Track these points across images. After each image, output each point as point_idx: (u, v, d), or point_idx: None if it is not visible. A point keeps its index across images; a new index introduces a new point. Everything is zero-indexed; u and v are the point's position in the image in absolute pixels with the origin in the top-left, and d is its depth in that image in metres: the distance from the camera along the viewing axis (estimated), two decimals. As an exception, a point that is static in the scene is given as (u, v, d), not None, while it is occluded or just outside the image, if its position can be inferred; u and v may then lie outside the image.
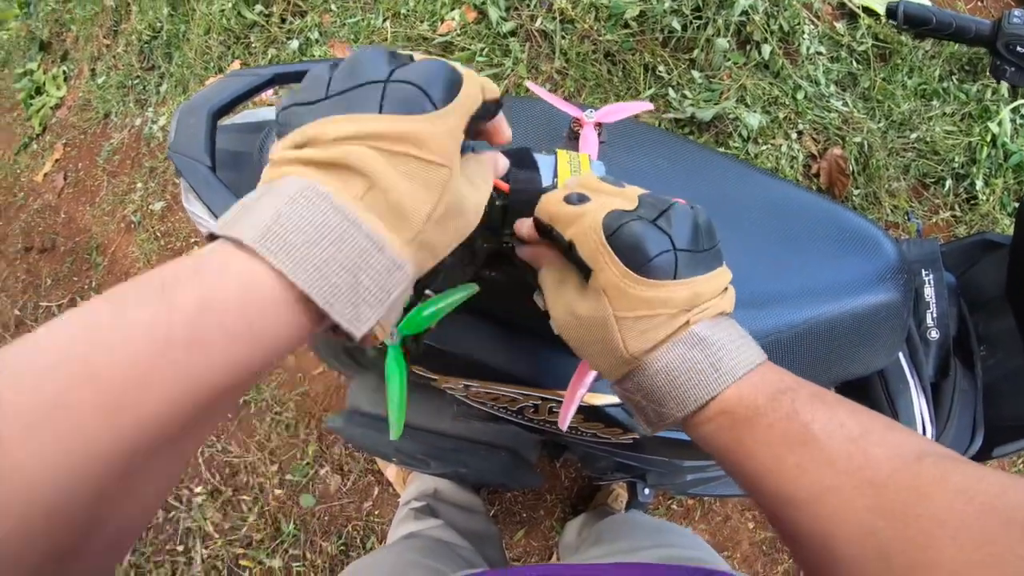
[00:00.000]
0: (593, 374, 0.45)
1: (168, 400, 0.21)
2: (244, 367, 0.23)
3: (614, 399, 0.59)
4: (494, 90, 0.32)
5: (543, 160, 0.44)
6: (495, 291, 0.53)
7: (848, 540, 0.23)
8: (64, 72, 2.12)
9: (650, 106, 0.58)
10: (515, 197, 0.41)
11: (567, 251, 0.35)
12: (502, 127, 0.36)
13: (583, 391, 0.45)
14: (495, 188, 0.40)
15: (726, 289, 0.34)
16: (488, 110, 0.32)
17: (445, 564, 0.69)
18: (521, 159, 0.42)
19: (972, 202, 1.40)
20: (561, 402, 0.59)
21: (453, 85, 0.29)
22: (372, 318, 0.25)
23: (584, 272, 0.34)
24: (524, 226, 0.40)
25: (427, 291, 0.47)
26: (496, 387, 0.60)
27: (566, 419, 0.45)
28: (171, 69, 1.79)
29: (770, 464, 0.27)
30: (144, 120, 1.83)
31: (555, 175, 0.43)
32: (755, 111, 1.31)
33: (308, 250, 0.23)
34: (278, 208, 0.24)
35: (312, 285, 0.23)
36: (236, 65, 1.64)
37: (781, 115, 1.33)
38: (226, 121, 0.69)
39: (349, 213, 0.24)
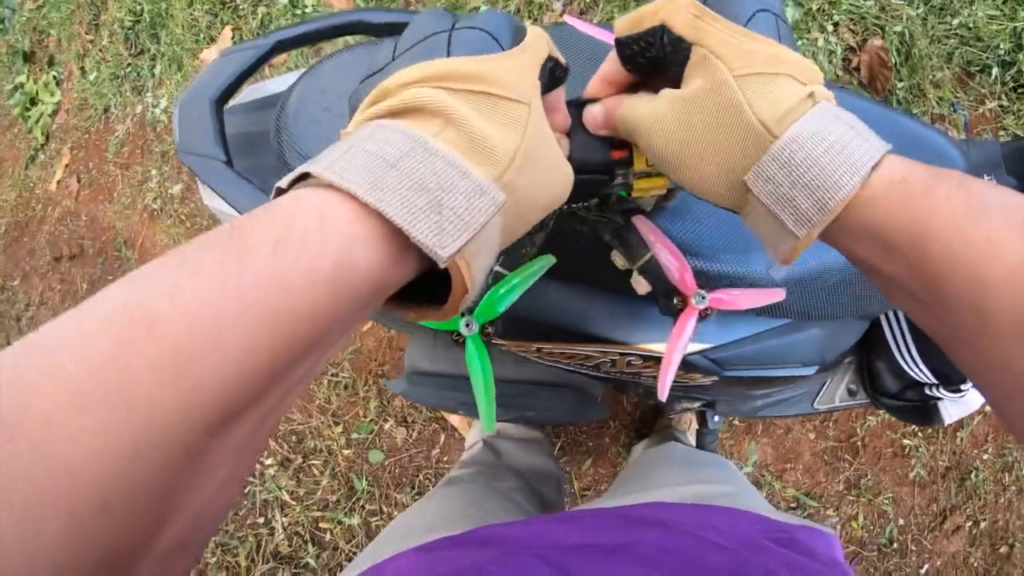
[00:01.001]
0: (688, 334, 0.42)
1: (245, 352, 0.18)
2: (326, 312, 0.20)
3: (695, 347, 0.57)
4: (559, 55, 0.30)
5: None
6: (569, 253, 0.51)
7: None
8: (54, 77, 2.06)
9: None
10: (580, 158, 0.36)
11: (659, 50, 0.31)
12: (561, 107, 0.33)
13: (680, 353, 0.43)
14: None
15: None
16: (555, 72, 0.30)
17: (487, 511, 0.68)
18: (576, 118, 0.37)
19: (1020, 90, 1.31)
20: (639, 355, 0.58)
21: (519, 31, 0.29)
22: (457, 243, 0.22)
23: (679, 71, 0.30)
24: (600, 78, 0.35)
25: (497, 268, 0.43)
26: (572, 347, 0.58)
27: (665, 388, 0.43)
28: (161, 49, 1.72)
29: (958, 241, 0.23)
30: (145, 106, 1.78)
31: None
32: (787, 3, 1.22)
33: (382, 172, 0.21)
34: (349, 144, 0.23)
35: (388, 204, 0.21)
36: (227, 33, 1.56)
37: (815, 6, 1.24)
38: (231, 102, 0.63)
39: (427, 142, 0.23)
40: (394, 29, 0.59)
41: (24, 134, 2.12)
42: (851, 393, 0.98)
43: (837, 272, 0.53)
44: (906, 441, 1.32)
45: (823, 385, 0.99)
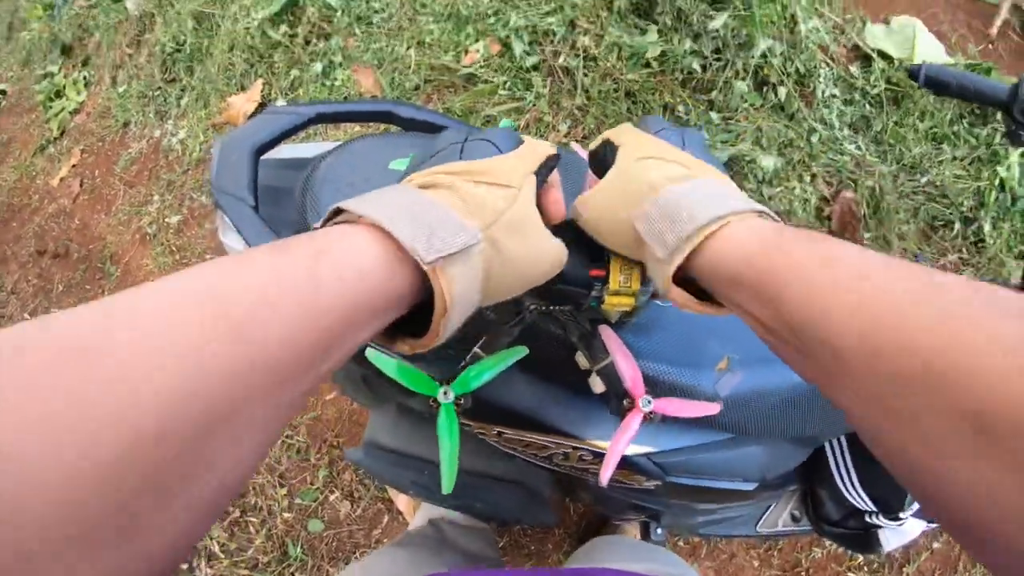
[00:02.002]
0: (632, 432, 0.47)
1: (289, 326, 0.22)
2: (347, 311, 0.25)
3: (642, 449, 0.61)
4: (550, 147, 0.40)
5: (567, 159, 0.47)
6: (539, 348, 0.55)
7: (892, 356, 0.22)
8: (85, 77, 2.14)
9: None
10: (566, 274, 0.41)
11: (606, 155, 0.41)
12: (559, 199, 0.40)
13: (623, 447, 0.47)
14: None
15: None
16: (550, 162, 0.39)
17: (432, 566, 0.69)
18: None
19: (979, 245, 1.42)
20: (591, 451, 0.61)
21: (516, 140, 0.38)
22: (437, 255, 0.28)
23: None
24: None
25: (476, 350, 0.49)
26: (531, 435, 0.61)
27: (606, 476, 0.47)
28: (192, 83, 1.82)
29: (804, 283, 0.26)
30: (163, 132, 1.84)
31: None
32: (770, 153, 1.34)
33: (398, 213, 0.28)
34: (379, 194, 0.30)
35: (397, 230, 0.27)
36: (258, 85, 1.66)
37: (796, 157, 1.36)
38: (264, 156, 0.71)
39: (433, 199, 0.31)
40: (417, 125, 0.68)
41: (41, 122, 2.17)
42: (794, 519, 1.00)
43: (775, 395, 0.57)
44: (851, 574, 1.32)
45: (767, 509, 1.01)
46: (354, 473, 1.36)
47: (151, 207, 1.76)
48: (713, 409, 0.49)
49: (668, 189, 0.33)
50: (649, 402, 0.46)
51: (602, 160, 0.42)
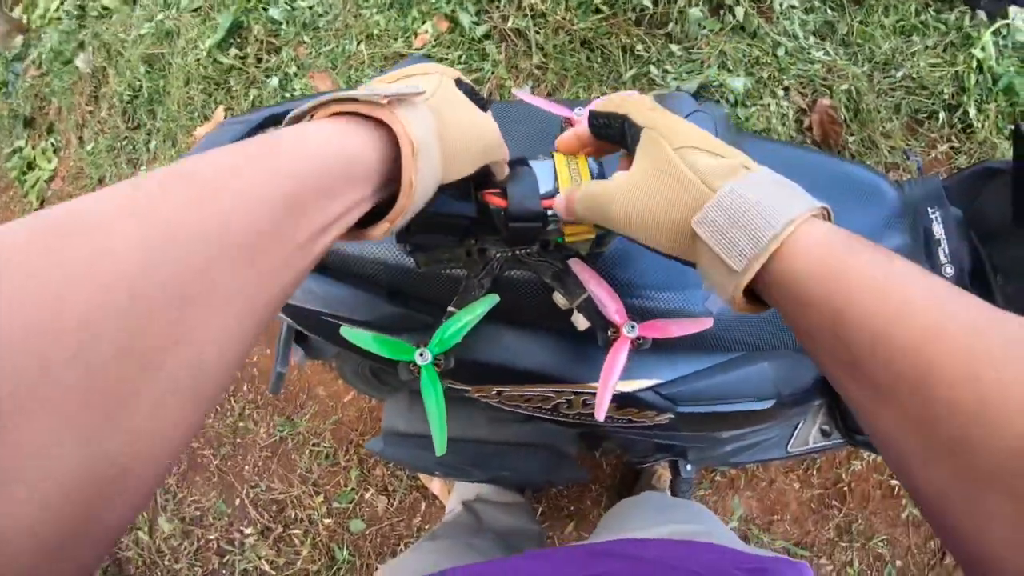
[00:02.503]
0: (622, 361, 0.46)
1: (253, 188, 0.22)
2: (316, 175, 0.26)
3: (644, 383, 0.60)
4: (466, 80, 0.40)
5: (540, 166, 0.45)
6: (517, 297, 0.54)
7: (952, 384, 0.22)
8: (52, 144, 2.14)
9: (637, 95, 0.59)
10: (513, 211, 0.41)
11: (620, 131, 0.38)
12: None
13: (615, 379, 0.46)
14: (495, 204, 0.42)
15: None
16: (474, 95, 0.39)
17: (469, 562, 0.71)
18: (517, 172, 0.43)
19: (968, 131, 1.39)
20: (594, 393, 0.60)
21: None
22: (385, 97, 0.29)
23: (634, 147, 0.37)
24: (565, 142, 0.44)
25: (449, 308, 0.48)
26: (528, 389, 0.61)
27: (602, 409, 0.46)
28: (157, 125, 1.81)
29: (874, 302, 0.25)
30: (138, 179, 1.85)
31: (555, 179, 0.43)
32: (738, 75, 1.31)
33: (352, 91, 0.30)
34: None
35: (350, 94, 0.29)
36: (220, 111, 1.66)
37: (765, 74, 1.33)
38: None
39: (386, 84, 0.33)
40: None
41: (20, 198, 2.18)
42: (825, 434, 0.99)
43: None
44: (894, 481, 1.31)
45: (795, 428, 1.00)
46: (385, 467, 1.37)
47: (141, 254, 1.76)
48: (705, 324, 0.48)
49: (729, 189, 0.30)
50: (633, 327, 0.45)
51: (614, 134, 0.39)
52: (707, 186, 0.31)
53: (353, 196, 0.28)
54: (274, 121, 0.66)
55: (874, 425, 0.26)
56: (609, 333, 0.46)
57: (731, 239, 0.30)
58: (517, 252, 0.49)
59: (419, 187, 0.30)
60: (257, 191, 0.23)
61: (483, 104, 0.40)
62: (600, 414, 0.45)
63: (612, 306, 0.46)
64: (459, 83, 0.38)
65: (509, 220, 0.42)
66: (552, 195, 0.42)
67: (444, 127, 0.33)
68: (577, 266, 0.48)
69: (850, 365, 0.26)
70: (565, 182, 0.42)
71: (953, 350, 0.23)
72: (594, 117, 0.41)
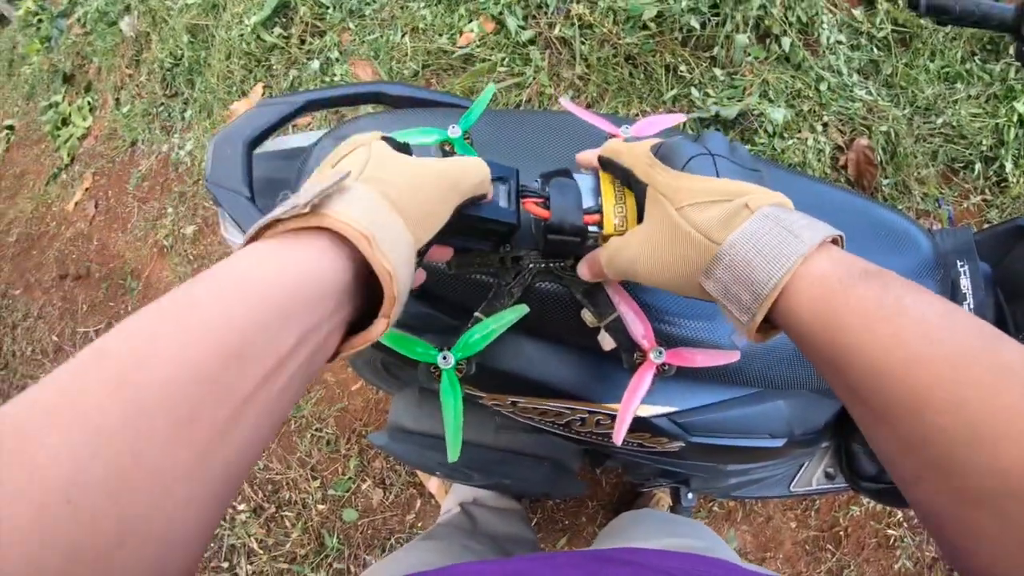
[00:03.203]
0: (646, 386, 0.45)
1: (175, 364, 0.21)
2: (255, 306, 0.24)
3: (661, 409, 0.59)
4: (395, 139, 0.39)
5: (584, 179, 0.44)
6: (544, 310, 0.54)
7: (940, 410, 0.23)
8: (89, 103, 2.17)
9: (684, 117, 0.58)
10: (555, 223, 0.41)
11: (626, 180, 0.40)
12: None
13: (636, 403, 0.46)
14: (536, 215, 0.42)
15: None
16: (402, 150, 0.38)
17: (462, 554, 0.70)
18: (561, 184, 0.43)
19: (1003, 184, 1.38)
20: (608, 415, 0.60)
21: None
22: (312, 195, 0.27)
23: (641, 199, 0.38)
24: (587, 158, 0.45)
25: (476, 313, 0.48)
26: (544, 403, 0.61)
27: (620, 434, 0.46)
28: (194, 95, 1.83)
29: (865, 335, 0.27)
30: (171, 146, 1.87)
31: (599, 195, 0.43)
32: (779, 105, 1.30)
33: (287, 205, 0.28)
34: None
35: (271, 213, 0.28)
36: (258, 89, 1.67)
37: (805, 108, 1.32)
38: (259, 149, 0.71)
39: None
40: (408, 102, 0.67)
41: (51, 152, 2.21)
42: (829, 477, 0.98)
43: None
44: (891, 531, 1.29)
45: (800, 468, 0.99)
46: (385, 460, 1.37)
47: (166, 220, 1.78)
48: (732, 357, 0.47)
49: (729, 243, 0.32)
50: (661, 353, 0.45)
51: (621, 179, 0.41)
52: (711, 240, 0.33)
53: (302, 325, 0.26)
54: (314, 107, 0.66)
55: (874, 443, 0.28)
56: (635, 356, 0.46)
57: (735, 294, 0.32)
58: (551, 264, 0.49)
59: (397, 269, 0.28)
60: (177, 358, 0.21)
61: (409, 151, 0.39)
62: (619, 438, 0.45)
63: (641, 329, 0.46)
64: (386, 139, 0.37)
65: (548, 232, 0.42)
66: (595, 211, 0.42)
67: (391, 190, 0.31)
68: (610, 286, 0.48)
69: (849, 390, 0.28)
70: (609, 199, 0.42)
71: (940, 378, 0.24)
72: (604, 164, 0.42)
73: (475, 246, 0.46)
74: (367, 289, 0.30)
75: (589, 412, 0.60)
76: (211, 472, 0.21)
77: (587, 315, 0.50)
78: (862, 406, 0.28)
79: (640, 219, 0.42)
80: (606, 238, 0.42)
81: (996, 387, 0.22)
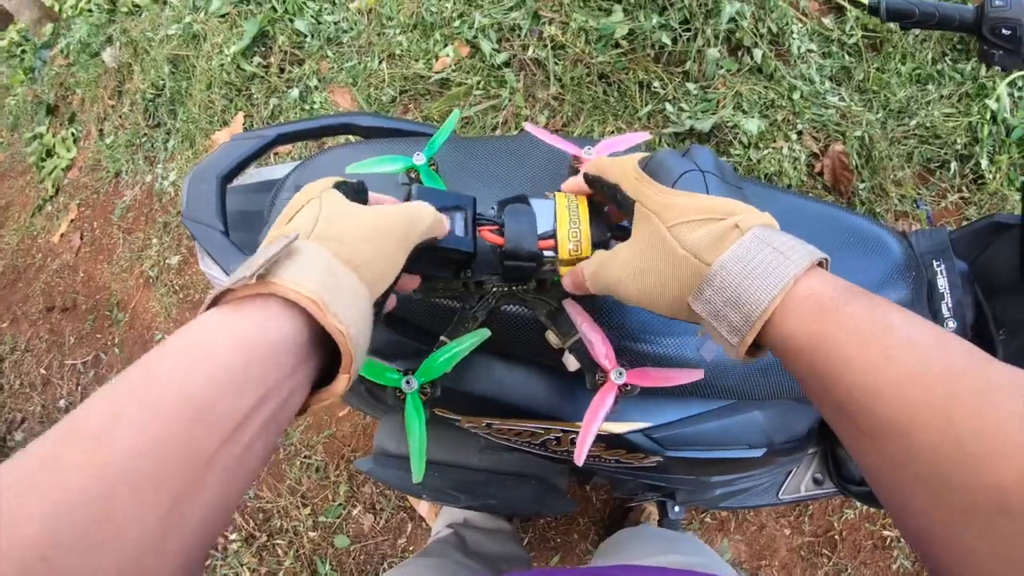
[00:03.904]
0: (607, 407, 0.46)
1: (137, 434, 0.22)
2: (219, 380, 0.25)
3: (634, 426, 0.60)
4: (334, 179, 0.39)
5: (541, 205, 0.45)
6: (512, 332, 0.54)
7: (927, 427, 0.23)
8: (73, 134, 2.18)
9: (647, 136, 0.59)
10: (509, 249, 0.42)
11: (613, 196, 0.39)
12: (378, 199, 0.42)
13: (598, 424, 0.46)
14: (491, 241, 0.43)
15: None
16: (358, 190, 0.39)
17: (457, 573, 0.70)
18: (516, 211, 0.44)
19: (979, 182, 1.39)
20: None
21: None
22: (259, 266, 0.28)
23: (629, 216, 0.38)
24: (571, 187, 0.45)
25: (441, 337, 0.49)
26: (518, 423, 0.61)
27: (582, 453, 0.46)
28: (176, 125, 1.84)
29: (856, 353, 0.27)
30: (154, 177, 1.87)
31: (555, 219, 0.44)
32: (753, 116, 1.32)
33: (240, 274, 0.29)
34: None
35: (223, 283, 0.29)
36: (240, 118, 1.68)
37: (779, 117, 1.34)
38: (235, 182, 0.72)
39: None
40: (377, 132, 0.68)
41: (36, 183, 2.21)
42: (817, 483, 0.98)
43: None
44: (886, 532, 1.29)
45: (788, 475, 0.99)
46: (375, 485, 1.36)
47: (151, 251, 1.78)
48: (696, 375, 0.48)
49: (719, 264, 0.32)
50: (621, 373, 0.45)
51: (608, 196, 0.41)
52: (701, 260, 0.33)
53: (260, 387, 0.27)
54: (285, 139, 0.67)
55: (861, 460, 0.28)
56: (597, 377, 0.46)
57: (725, 315, 0.32)
58: (513, 288, 0.50)
59: (350, 327, 0.29)
60: (138, 429, 0.23)
61: (364, 192, 0.40)
62: (580, 458, 0.45)
63: (602, 350, 0.46)
64: (340, 185, 0.38)
65: (504, 258, 0.43)
66: (550, 235, 0.43)
67: (343, 246, 0.32)
68: (571, 307, 0.48)
69: (836, 409, 0.28)
70: (563, 224, 0.43)
71: (928, 397, 0.24)
72: (590, 181, 0.42)
73: (436, 274, 0.46)
74: (329, 344, 0.31)
75: (563, 431, 0.60)
76: (179, 532, 0.23)
77: (551, 336, 0.51)
78: (849, 424, 0.28)
79: (596, 246, 0.42)
80: (563, 262, 0.43)
81: (986, 405, 0.23)
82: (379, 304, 0.34)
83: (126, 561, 0.21)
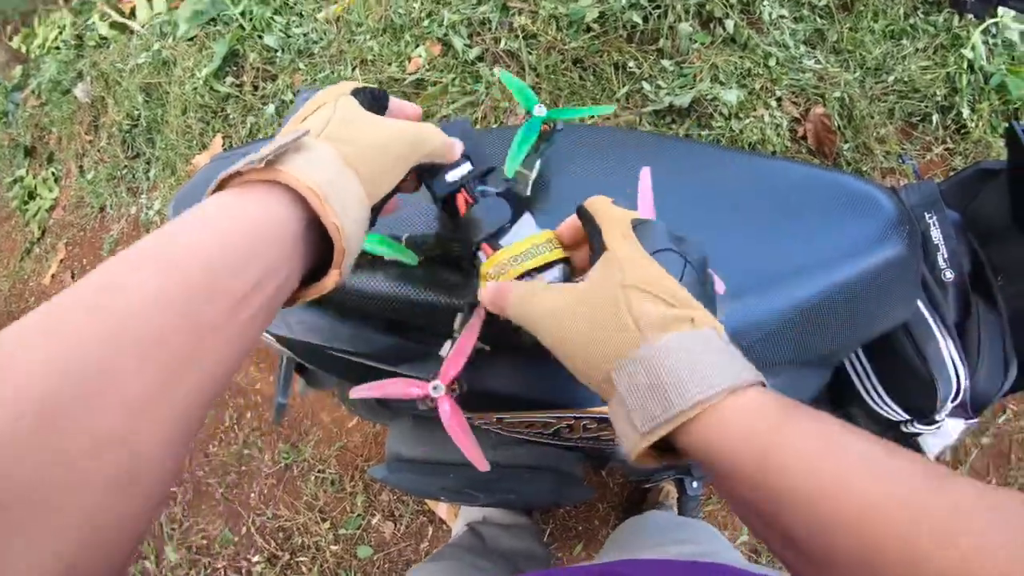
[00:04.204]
0: (451, 415, 0.45)
1: (145, 294, 0.23)
2: (225, 245, 0.27)
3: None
4: (353, 83, 0.40)
5: (526, 222, 0.44)
6: (506, 322, 0.54)
7: (895, 562, 0.21)
8: (53, 173, 2.16)
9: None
10: (460, 225, 0.43)
11: (593, 237, 0.37)
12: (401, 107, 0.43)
13: (462, 437, 0.45)
14: (458, 207, 0.44)
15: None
16: (362, 91, 0.39)
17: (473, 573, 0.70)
18: (494, 203, 0.43)
19: (963, 131, 1.39)
20: (593, 418, 0.60)
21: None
22: (269, 153, 0.30)
23: (594, 258, 0.36)
24: (568, 227, 0.43)
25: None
26: (528, 415, 0.61)
27: (482, 463, 0.46)
28: (156, 153, 1.83)
29: (809, 480, 0.24)
30: (139, 207, 1.86)
31: (515, 239, 0.42)
32: (731, 87, 1.32)
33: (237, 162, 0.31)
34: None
35: (233, 167, 0.30)
36: (218, 140, 1.67)
37: (757, 86, 1.34)
38: None
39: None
40: None
41: (21, 227, 2.20)
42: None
43: (773, 321, 0.55)
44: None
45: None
46: (391, 493, 1.37)
47: (143, 282, 1.77)
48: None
49: (662, 345, 0.29)
50: (437, 387, 0.45)
51: (590, 235, 0.38)
52: (641, 334, 0.30)
53: (263, 263, 0.28)
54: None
55: None
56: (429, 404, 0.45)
57: (643, 401, 0.29)
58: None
59: (346, 224, 0.30)
60: (148, 289, 0.23)
61: (384, 99, 0.41)
62: (482, 465, 0.44)
63: (450, 364, 0.44)
64: (358, 92, 0.38)
65: (454, 227, 0.44)
66: (497, 246, 0.42)
67: (350, 148, 0.33)
68: (476, 318, 0.46)
69: (784, 537, 0.25)
70: (516, 248, 0.40)
71: (894, 525, 0.22)
72: (580, 209, 0.40)
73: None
74: (322, 243, 0.32)
75: (574, 418, 0.60)
76: (179, 394, 0.23)
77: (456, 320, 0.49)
78: (797, 554, 0.25)
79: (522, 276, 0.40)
80: (483, 275, 0.42)
81: (952, 532, 0.21)
82: (375, 209, 0.35)
83: (129, 419, 0.21)
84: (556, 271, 0.40)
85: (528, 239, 0.41)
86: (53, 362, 0.20)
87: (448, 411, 0.43)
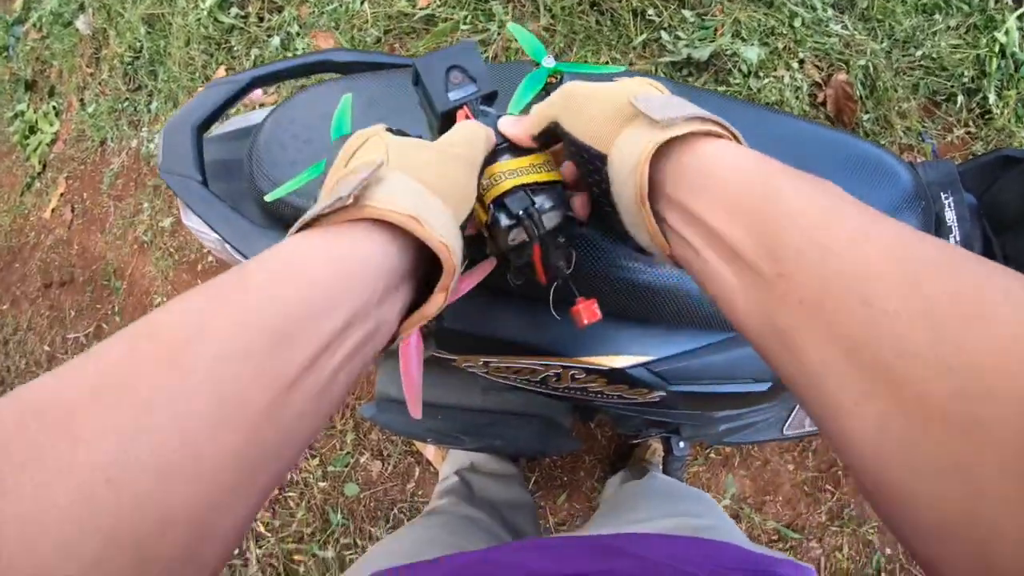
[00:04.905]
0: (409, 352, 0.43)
1: (223, 344, 0.20)
2: (317, 292, 0.25)
3: (637, 359, 0.58)
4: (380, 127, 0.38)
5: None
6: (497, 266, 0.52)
7: (890, 290, 0.20)
8: (54, 107, 2.12)
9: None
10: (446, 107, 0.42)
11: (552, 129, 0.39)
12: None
13: (412, 379, 0.43)
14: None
15: None
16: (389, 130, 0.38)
17: (465, 539, 0.70)
18: (487, 114, 0.43)
19: (986, 117, 1.34)
20: (583, 368, 0.59)
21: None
22: (353, 187, 0.28)
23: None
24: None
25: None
26: (516, 361, 0.60)
27: (416, 408, 0.43)
28: (158, 86, 1.79)
29: (801, 204, 0.25)
30: (140, 141, 1.83)
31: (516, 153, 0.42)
32: (752, 44, 1.27)
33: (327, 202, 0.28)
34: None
35: (310, 211, 0.29)
36: (222, 72, 1.63)
37: (780, 45, 1.29)
38: (214, 131, 0.69)
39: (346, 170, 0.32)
40: (356, 67, 0.65)
41: (22, 161, 2.17)
42: (821, 416, 0.97)
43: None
44: (889, 469, 1.30)
45: (793, 409, 0.99)
46: (381, 432, 1.38)
47: (143, 216, 1.76)
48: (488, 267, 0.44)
49: (663, 94, 0.33)
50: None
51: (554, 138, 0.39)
52: (645, 91, 0.34)
53: (356, 303, 0.26)
54: (260, 83, 0.65)
55: (799, 357, 0.23)
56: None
57: (661, 105, 0.31)
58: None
59: (451, 242, 0.29)
60: (226, 338, 0.21)
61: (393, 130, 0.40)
62: (416, 411, 0.42)
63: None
64: (389, 130, 0.37)
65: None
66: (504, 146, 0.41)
67: (423, 174, 0.31)
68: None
69: (777, 276, 0.24)
70: (516, 165, 0.40)
71: (889, 253, 0.21)
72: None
73: None
74: (420, 268, 0.31)
75: (563, 367, 0.59)
76: (256, 459, 0.21)
77: (511, 278, 0.48)
78: (787, 298, 0.23)
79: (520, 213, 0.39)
80: (480, 186, 0.41)
81: (952, 264, 0.19)
82: (462, 228, 0.34)
83: (202, 488, 0.18)
84: (553, 195, 0.40)
85: (527, 157, 0.40)
86: (123, 425, 0.18)
87: (412, 343, 0.41)
